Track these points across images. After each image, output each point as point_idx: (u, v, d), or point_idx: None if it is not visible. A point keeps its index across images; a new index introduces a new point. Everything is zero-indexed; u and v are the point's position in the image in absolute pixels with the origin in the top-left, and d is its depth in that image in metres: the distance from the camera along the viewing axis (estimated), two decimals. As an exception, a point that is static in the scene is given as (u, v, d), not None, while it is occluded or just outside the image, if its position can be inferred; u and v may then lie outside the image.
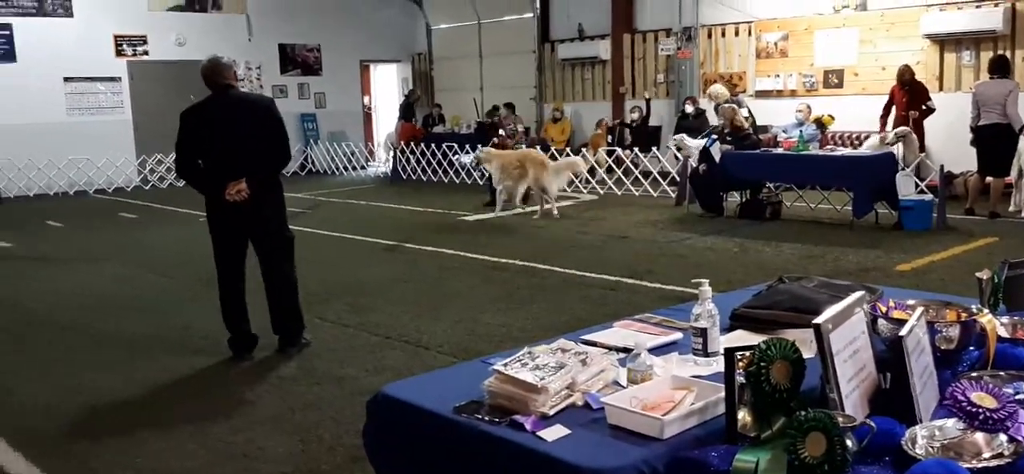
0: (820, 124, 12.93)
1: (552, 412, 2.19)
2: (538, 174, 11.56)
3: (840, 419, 1.80)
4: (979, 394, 1.88)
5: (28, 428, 4.60)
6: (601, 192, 13.87)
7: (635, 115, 16.10)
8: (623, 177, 13.94)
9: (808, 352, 2.02)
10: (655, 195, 13.07)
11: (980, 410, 1.84)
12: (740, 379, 1.98)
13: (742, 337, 2.74)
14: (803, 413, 1.76)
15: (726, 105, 11.71)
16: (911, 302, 2.40)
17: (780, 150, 11.06)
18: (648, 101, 16.13)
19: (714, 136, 11.23)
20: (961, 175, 11.46)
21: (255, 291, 5.76)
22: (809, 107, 13.12)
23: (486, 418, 2.22)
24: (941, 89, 12.82)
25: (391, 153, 18.51)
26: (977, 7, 12.62)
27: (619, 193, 13.61)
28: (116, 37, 17.06)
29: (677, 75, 16.22)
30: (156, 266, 9.06)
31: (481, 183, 14.05)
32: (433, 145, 17.00)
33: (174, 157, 5.63)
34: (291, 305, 5.71)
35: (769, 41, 15.00)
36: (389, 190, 15.93)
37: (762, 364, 1.92)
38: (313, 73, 20.04)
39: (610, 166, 14.52)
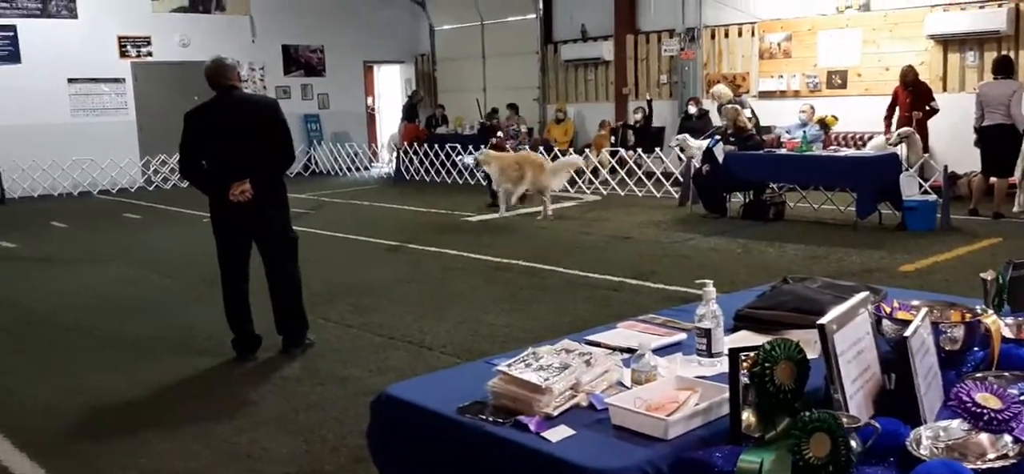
0: (823, 125, 12.92)
1: (556, 413, 2.19)
2: (536, 176, 11.61)
3: (844, 420, 1.80)
4: (984, 395, 1.88)
5: (32, 428, 4.61)
6: (604, 193, 13.86)
7: (638, 116, 16.11)
8: (626, 178, 13.93)
9: (812, 353, 2.02)
10: (658, 196, 13.07)
11: (985, 411, 1.84)
12: (744, 380, 1.97)
13: (746, 338, 2.74)
14: (807, 414, 1.76)
15: (729, 106, 11.71)
16: (915, 303, 2.40)
17: (783, 151, 11.06)
18: (649, 102, 16.14)
19: (718, 137, 11.22)
20: (965, 176, 11.44)
21: (259, 292, 5.77)
22: (812, 108, 13.11)
23: (490, 419, 2.22)
24: (945, 90, 12.80)
25: (394, 154, 18.53)
26: (981, 8, 12.60)
27: (622, 194, 13.61)
28: (120, 38, 17.09)
29: (680, 76, 16.22)
30: (160, 267, 9.07)
31: (483, 184, 14.06)
32: (436, 146, 17.01)
33: (178, 158, 5.64)
34: (295, 306, 5.72)
35: (772, 42, 15.00)
36: (392, 191, 15.93)
37: (766, 365, 1.92)
38: (316, 74, 20.06)
39: (613, 167, 14.52)
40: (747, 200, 11.06)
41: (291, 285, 5.68)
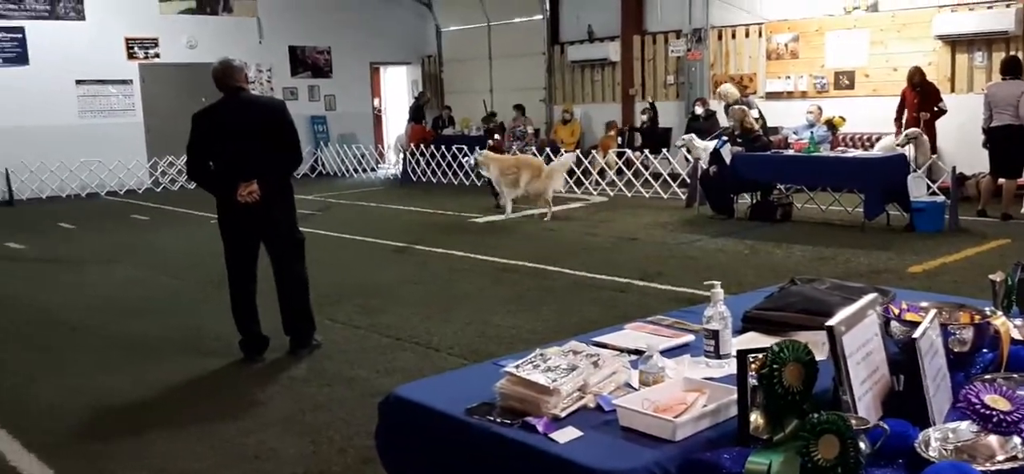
0: (831, 126, 12.90)
1: (564, 414, 2.19)
2: (533, 178, 11.65)
3: (853, 421, 1.79)
4: (993, 396, 1.87)
5: (40, 428, 4.62)
6: (611, 194, 13.86)
7: (644, 117, 16.11)
8: (633, 179, 13.92)
9: (821, 354, 2.02)
10: (665, 197, 13.06)
11: (994, 413, 1.83)
12: (753, 381, 1.97)
13: (754, 339, 2.74)
14: (816, 415, 1.76)
15: (736, 107, 11.69)
16: (924, 304, 2.39)
17: (791, 152, 11.03)
18: (652, 104, 16.17)
19: (725, 138, 11.21)
20: (973, 176, 11.40)
21: (266, 293, 5.78)
22: (820, 108, 13.08)
23: (498, 420, 2.22)
24: (953, 90, 12.77)
25: (401, 155, 18.55)
26: (989, 8, 12.57)
27: (629, 195, 13.60)
28: (127, 40, 17.15)
29: (687, 77, 16.21)
30: (167, 268, 9.09)
31: (480, 185, 14.07)
32: (443, 147, 17.02)
33: (185, 159, 5.65)
34: (302, 307, 5.73)
35: (779, 42, 14.97)
36: (399, 192, 15.95)
37: (775, 366, 1.91)
38: (323, 75, 20.10)
39: (620, 168, 14.51)
40: (754, 201, 11.04)
41: (298, 286, 5.69)
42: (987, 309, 2.47)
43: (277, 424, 4.56)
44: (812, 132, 12.05)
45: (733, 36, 15.66)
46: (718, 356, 2.54)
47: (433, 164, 17.10)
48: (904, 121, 11.90)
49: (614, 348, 2.66)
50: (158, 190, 16.91)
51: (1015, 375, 2.23)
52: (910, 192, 9.67)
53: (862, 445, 1.77)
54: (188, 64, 17.05)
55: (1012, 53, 11.56)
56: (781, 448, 1.85)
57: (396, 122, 21.53)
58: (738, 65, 15.60)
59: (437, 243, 9.85)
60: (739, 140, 11.02)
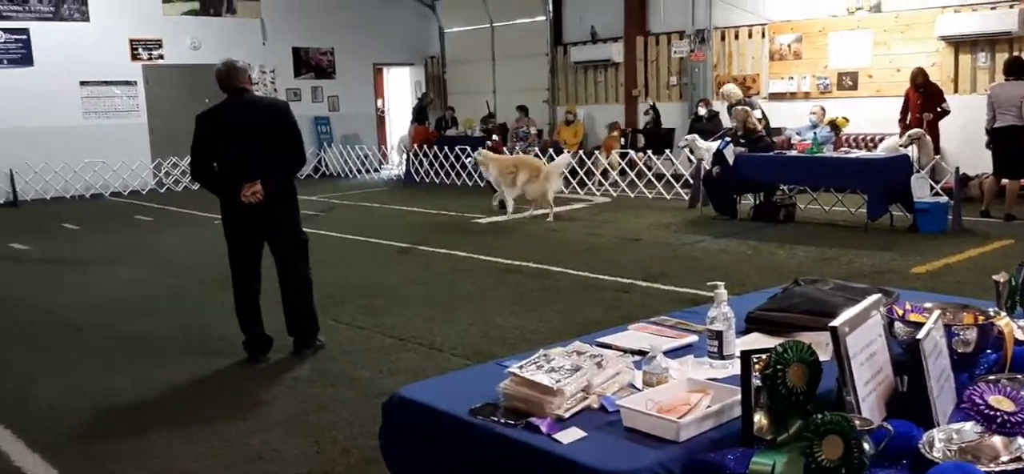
0: (834, 126, 12.89)
1: (568, 415, 2.19)
2: (531, 178, 11.68)
3: (857, 422, 1.80)
4: (997, 397, 1.87)
5: (45, 429, 4.63)
6: (614, 195, 13.85)
7: (647, 118, 16.11)
8: (636, 180, 13.92)
9: (824, 355, 2.02)
10: (668, 198, 13.05)
11: (998, 413, 1.83)
12: (756, 382, 1.97)
13: (758, 340, 2.74)
14: (820, 416, 1.76)
15: (739, 108, 11.69)
16: (928, 305, 2.39)
17: (794, 152, 11.02)
18: (653, 106, 16.18)
19: (728, 138, 11.21)
20: (977, 177, 11.39)
21: (270, 293, 5.79)
22: (823, 109, 13.07)
23: (502, 420, 2.22)
24: (956, 91, 12.76)
25: (404, 156, 18.56)
26: (992, 9, 12.55)
27: (632, 196, 13.60)
28: (132, 41, 17.18)
29: (690, 78, 16.20)
30: (171, 268, 9.11)
31: (482, 185, 14.09)
32: (446, 148, 17.03)
33: (189, 160, 5.66)
34: (306, 307, 5.74)
35: (783, 43, 14.96)
36: (402, 193, 15.96)
37: (779, 367, 1.91)
38: (327, 76, 20.13)
39: (623, 168, 14.51)
40: (757, 202, 11.04)
41: (303, 286, 5.70)
42: (991, 310, 2.47)
43: (281, 424, 4.57)
44: (815, 133, 12.05)
45: (736, 37, 15.66)
46: (722, 357, 2.54)
47: (436, 165, 17.11)
48: (908, 122, 11.89)
49: (618, 349, 2.66)
50: (162, 191, 16.94)
51: (1019, 376, 2.22)
52: (913, 193, 9.65)
53: (866, 446, 1.77)
54: (192, 65, 17.07)
55: (1015, 54, 11.54)
56: (785, 449, 1.85)
57: (399, 123, 21.54)
58: (741, 66, 15.60)
59: (440, 243, 9.86)
60: (742, 141, 11.01)
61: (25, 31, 15.99)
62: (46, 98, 15.95)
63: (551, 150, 14.99)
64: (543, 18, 18.59)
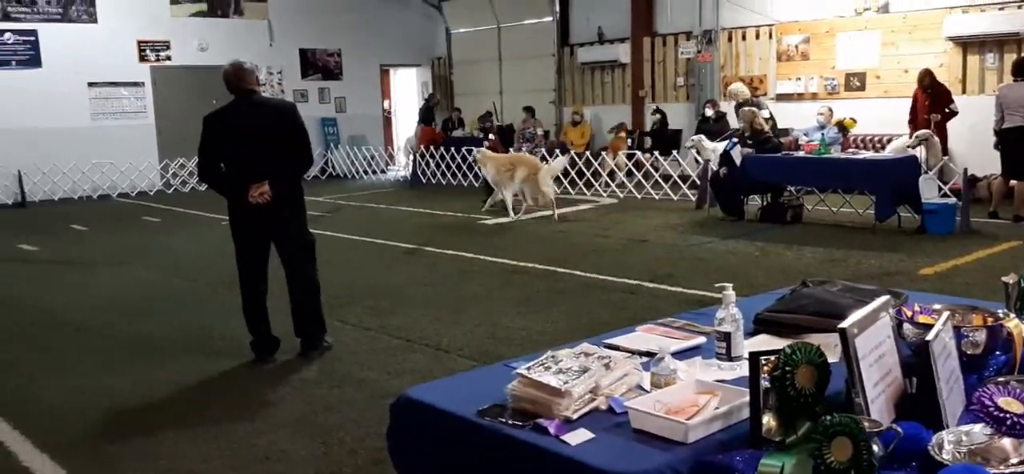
0: (842, 127, 12.84)
1: (575, 416, 2.19)
2: (529, 176, 11.71)
3: (866, 424, 1.79)
4: (1006, 399, 1.87)
5: (53, 429, 4.65)
6: (621, 196, 13.84)
7: (655, 118, 16.11)
8: (643, 181, 13.91)
9: (833, 356, 2.01)
10: (675, 199, 13.04)
11: (1007, 415, 1.82)
12: (765, 383, 1.97)
13: (766, 341, 2.73)
14: (829, 418, 1.75)
15: (746, 108, 11.67)
16: (937, 306, 2.39)
17: (801, 153, 11.00)
18: (657, 109, 16.18)
19: (735, 139, 11.19)
20: (985, 178, 11.35)
21: (277, 294, 5.80)
22: (831, 110, 13.03)
23: (509, 421, 2.22)
24: (964, 92, 12.71)
25: (411, 157, 18.57)
26: (1000, 9, 12.51)
27: (639, 197, 13.59)
28: (139, 43, 17.23)
29: (697, 78, 16.18)
30: (179, 269, 9.13)
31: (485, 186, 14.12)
32: (452, 149, 17.04)
33: (197, 161, 5.67)
34: (313, 308, 5.74)
35: (790, 44, 14.93)
36: (409, 194, 15.97)
37: (787, 368, 1.91)
38: (334, 77, 20.16)
39: (630, 170, 14.50)
40: (765, 203, 11.02)
41: (309, 288, 5.71)
42: (1000, 311, 2.46)
43: (288, 425, 4.57)
44: (823, 134, 12.01)
45: (743, 38, 15.63)
46: (730, 358, 2.54)
47: (443, 166, 17.12)
48: (917, 123, 11.86)
49: (626, 350, 2.66)
50: (169, 192, 16.99)
51: (1028, 378, 2.22)
52: (921, 194, 9.63)
53: (875, 448, 1.76)
54: (199, 67, 17.10)
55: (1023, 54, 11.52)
56: (794, 450, 1.84)
57: (406, 124, 21.57)
58: (748, 67, 15.57)
59: (447, 245, 9.86)
60: (749, 142, 10.99)
61: (33, 32, 16.05)
62: (54, 99, 16.01)
63: (557, 151, 14.98)
64: (550, 19, 18.58)
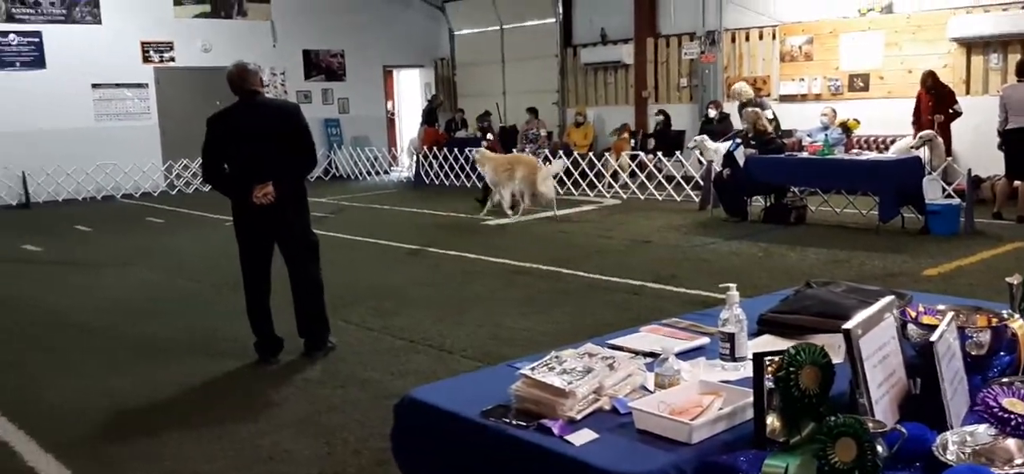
0: (845, 128, 12.84)
1: (579, 416, 2.19)
2: (527, 176, 11.73)
3: (870, 424, 1.79)
4: (1011, 400, 1.87)
5: (57, 430, 4.66)
6: (624, 197, 13.84)
7: (660, 119, 16.11)
8: (646, 181, 13.90)
9: (837, 357, 2.01)
10: (678, 200, 13.03)
11: (1012, 416, 1.82)
12: (769, 384, 1.97)
13: (770, 342, 2.73)
14: (833, 418, 1.75)
15: (750, 109, 11.66)
16: (941, 307, 2.39)
17: (805, 154, 10.99)
18: (660, 111, 16.17)
19: (738, 140, 11.18)
20: (989, 179, 11.34)
21: (281, 295, 5.80)
22: (834, 111, 13.04)
23: (513, 422, 2.22)
24: (968, 92, 12.69)
25: (414, 158, 18.59)
26: (1004, 10, 12.49)
27: (642, 198, 13.58)
28: (143, 44, 17.26)
29: (700, 79, 16.18)
30: (183, 270, 9.14)
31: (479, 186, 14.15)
32: (456, 150, 17.05)
33: (200, 162, 5.68)
34: (317, 309, 5.75)
35: (793, 45, 14.92)
36: (412, 194, 15.98)
37: (791, 369, 1.91)
38: (337, 78, 20.18)
39: (633, 170, 14.50)
40: (768, 204, 11.01)
41: (313, 288, 5.71)
42: (1004, 312, 2.46)
43: (292, 425, 4.58)
44: (826, 134, 12.01)
45: (747, 38, 15.62)
46: (734, 359, 2.54)
47: (446, 167, 17.13)
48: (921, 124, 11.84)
49: (629, 350, 2.66)
50: (173, 193, 17.01)
51: (1033, 378, 2.22)
52: (925, 195, 9.62)
53: (879, 448, 1.76)
54: (203, 68, 17.13)
55: (1028, 55, 11.49)
56: (798, 451, 1.84)
57: (409, 125, 21.58)
58: (752, 68, 15.56)
59: (450, 245, 9.87)
60: (752, 142, 10.99)
61: (37, 34, 16.09)
62: (58, 100, 16.04)
63: (561, 152, 14.98)
64: (553, 20, 18.58)
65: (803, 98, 14.68)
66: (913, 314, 2.32)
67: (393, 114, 22.19)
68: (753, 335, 2.77)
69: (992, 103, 11.02)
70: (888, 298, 2.31)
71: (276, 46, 18.81)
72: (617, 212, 12.49)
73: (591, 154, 15.09)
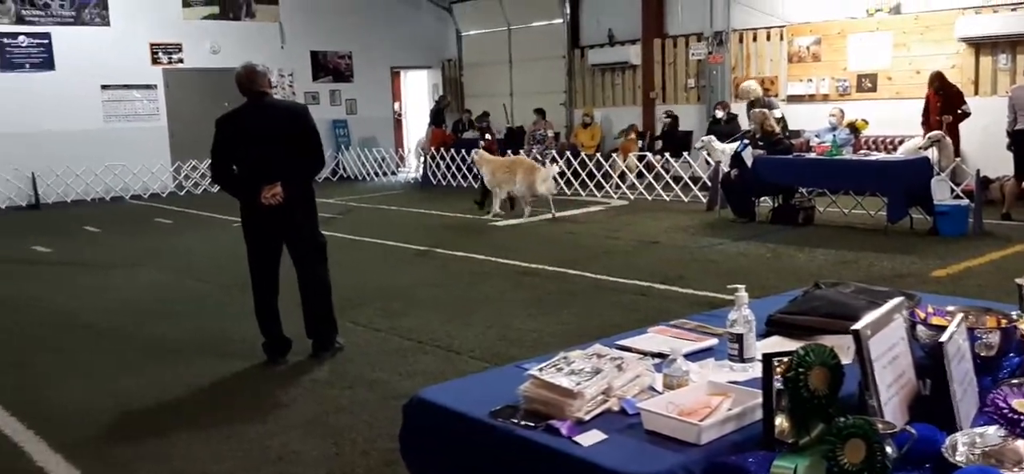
0: (853, 128, 12.81)
1: (588, 417, 2.19)
2: (526, 177, 11.75)
3: (880, 426, 1.79)
4: (1021, 401, 1.87)
5: (66, 430, 4.67)
6: (631, 197, 13.83)
7: (667, 119, 16.10)
8: (654, 182, 13.89)
9: (846, 358, 2.01)
10: (686, 200, 13.01)
11: (1021, 417, 1.82)
12: (778, 385, 1.97)
13: (778, 343, 2.73)
14: (842, 419, 1.75)
15: (758, 109, 11.65)
16: (951, 308, 2.38)
17: (813, 155, 10.97)
18: (668, 113, 16.18)
19: (746, 141, 11.17)
20: (997, 180, 11.29)
21: (289, 296, 5.82)
22: (842, 111, 13.01)
23: (522, 423, 2.22)
24: (976, 93, 12.65)
25: (421, 159, 18.61)
26: (1013, 10, 12.44)
27: (649, 199, 13.57)
28: (152, 45, 17.32)
29: (708, 80, 16.15)
30: (191, 271, 9.17)
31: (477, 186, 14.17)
32: (463, 151, 17.05)
33: (209, 163, 5.69)
34: (325, 310, 5.76)
35: (801, 45, 14.90)
36: (419, 195, 16.00)
37: (800, 370, 1.91)
38: (345, 80, 20.22)
39: (640, 171, 14.49)
40: (776, 205, 10.99)
41: (321, 289, 5.72)
42: (1014, 313, 2.45)
43: (300, 426, 4.59)
44: (834, 135, 11.99)
45: (754, 39, 15.59)
46: (742, 360, 2.53)
47: (453, 167, 17.14)
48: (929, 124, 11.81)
49: (638, 351, 2.66)
50: (182, 194, 17.06)
51: (1043, 380, 2.21)
52: (933, 195, 9.59)
53: (889, 450, 1.76)
54: (211, 69, 17.18)
55: (1037, 55, 11.46)
56: (807, 452, 1.84)
57: (416, 126, 21.59)
58: (759, 68, 15.53)
59: (457, 246, 9.87)
60: (760, 143, 10.97)
61: (47, 36, 16.16)
62: (67, 102, 16.11)
63: (568, 154, 14.99)
64: (560, 21, 18.58)
65: (811, 99, 14.66)
66: (922, 315, 2.32)
67: (400, 115, 22.21)
68: (762, 336, 2.77)
69: (1001, 104, 10.99)
70: (897, 299, 2.30)
71: (284, 47, 18.85)
72: (624, 213, 12.48)
73: (598, 155, 15.08)
